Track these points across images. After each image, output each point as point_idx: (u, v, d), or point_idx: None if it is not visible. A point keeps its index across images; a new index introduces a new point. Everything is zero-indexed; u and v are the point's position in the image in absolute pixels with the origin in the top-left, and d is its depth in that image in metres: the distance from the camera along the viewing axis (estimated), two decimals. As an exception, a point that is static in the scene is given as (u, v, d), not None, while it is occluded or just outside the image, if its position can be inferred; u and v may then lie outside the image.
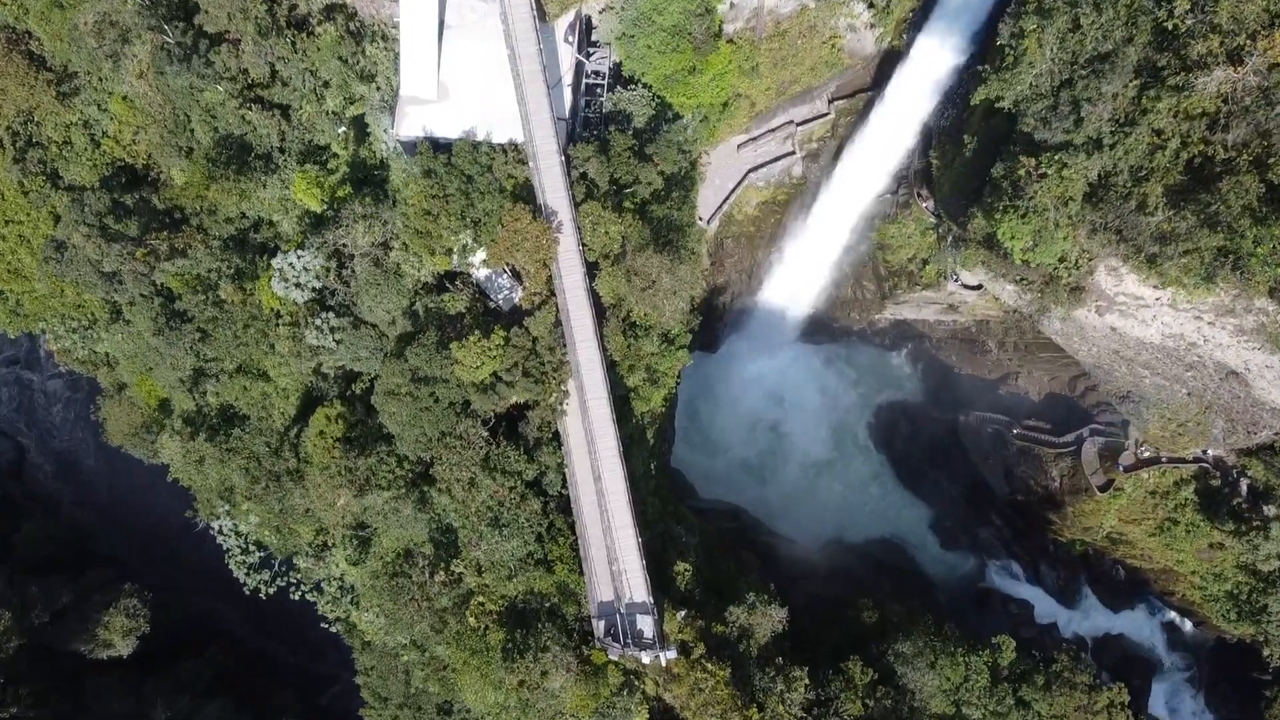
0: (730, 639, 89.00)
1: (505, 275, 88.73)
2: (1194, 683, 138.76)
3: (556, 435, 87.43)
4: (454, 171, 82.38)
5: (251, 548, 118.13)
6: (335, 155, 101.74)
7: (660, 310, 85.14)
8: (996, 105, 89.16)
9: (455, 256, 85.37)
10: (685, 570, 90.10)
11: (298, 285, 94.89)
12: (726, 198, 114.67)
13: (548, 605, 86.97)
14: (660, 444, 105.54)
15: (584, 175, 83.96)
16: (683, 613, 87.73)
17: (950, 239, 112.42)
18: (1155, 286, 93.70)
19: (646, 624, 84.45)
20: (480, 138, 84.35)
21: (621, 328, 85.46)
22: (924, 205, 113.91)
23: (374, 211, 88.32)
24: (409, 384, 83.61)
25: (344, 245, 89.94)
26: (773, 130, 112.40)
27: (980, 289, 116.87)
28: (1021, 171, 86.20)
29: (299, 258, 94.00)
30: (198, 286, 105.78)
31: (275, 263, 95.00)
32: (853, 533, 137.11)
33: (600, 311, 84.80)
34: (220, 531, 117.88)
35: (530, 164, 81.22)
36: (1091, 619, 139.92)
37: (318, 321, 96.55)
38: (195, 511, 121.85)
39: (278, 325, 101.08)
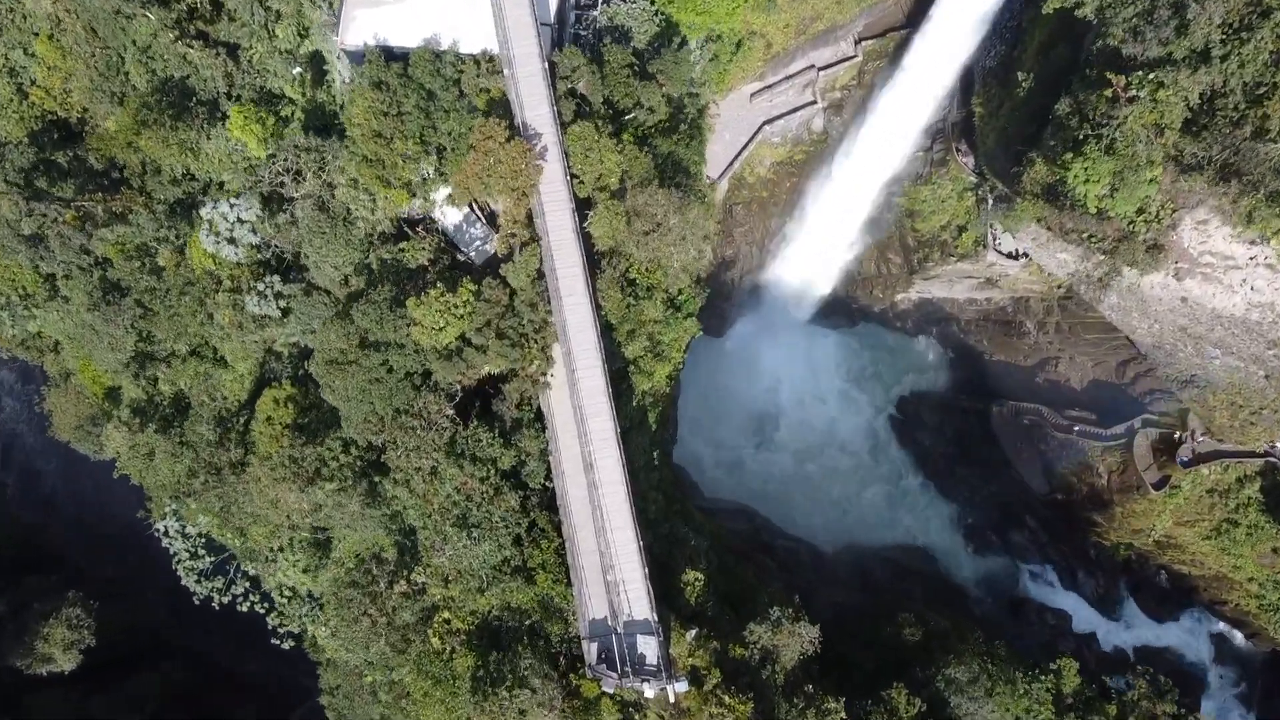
0: (751, 663, 68.79)
1: (479, 223, 69.03)
2: (1245, 700, 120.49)
3: (540, 415, 67.43)
4: (411, 85, 62.53)
5: (201, 552, 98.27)
6: (290, 101, 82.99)
7: (666, 260, 65.21)
8: (1076, 13, 69.32)
9: (416, 194, 65.72)
10: (696, 580, 69.82)
11: (230, 240, 75.44)
12: (738, 154, 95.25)
13: (527, 624, 66.64)
14: (663, 431, 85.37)
15: (573, 91, 64.14)
16: (693, 632, 67.55)
17: (993, 200, 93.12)
18: (1252, 242, 74.47)
19: (649, 647, 64.14)
20: (445, 46, 64.45)
21: (619, 283, 65.57)
22: (963, 161, 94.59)
23: (317, 144, 68.68)
24: (356, 350, 63.87)
25: (282, 186, 70.08)
26: (791, 76, 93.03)
27: (1024, 259, 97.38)
28: (1107, 94, 66.63)
29: (231, 206, 74.34)
30: (133, 253, 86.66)
31: (204, 213, 75.39)
32: (874, 535, 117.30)
33: (593, 261, 64.88)
34: (166, 533, 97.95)
35: (506, 72, 61.35)
36: (1133, 630, 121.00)
37: (260, 286, 77.33)
38: (148, 511, 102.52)
39: (217, 292, 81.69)
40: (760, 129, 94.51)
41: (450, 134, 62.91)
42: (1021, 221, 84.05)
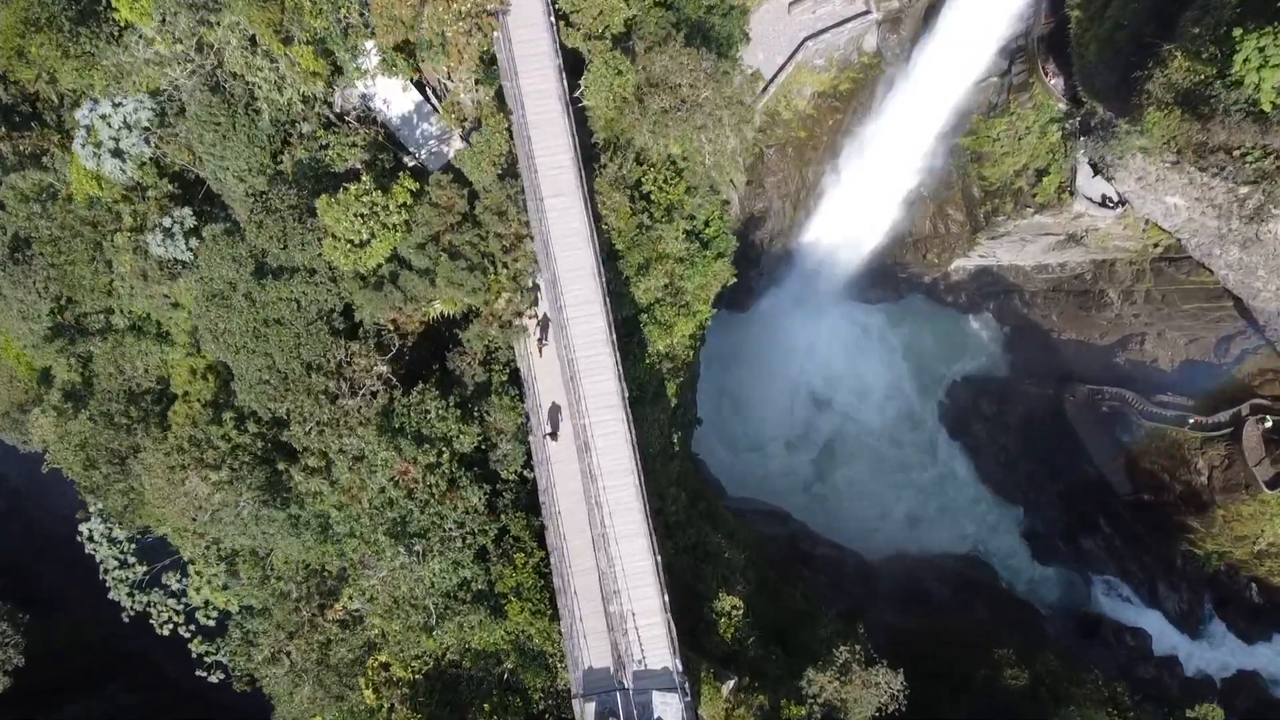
0: (809, 725, 45.74)
1: (433, 116, 46.45)
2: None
3: (516, 376, 44.59)
4: (324, -113, 40.35)
5: (131, 559, 75.63)
6: (228, 6, 60.92)
7: (696, 152, 42.41)
8: None
9: (335, 58, 43.20)
10: (734, 609, 46.73)
11: (115, 152, 52.96)
12: (772, 79, 72.74)
13: (497, 673, 43.59)
14: (685, 409, 62.27)
15: (559, -98, 41.78)
16: (730, 683, 44.69)
17: (1090, 129, 70.20)
18: None
19: (670, 709, 41.05)
20: None
21: (625, 187, 42.67)
22: (1051, 84, 71.65)
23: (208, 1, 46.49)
24: (249, 279, 41.16)
25: (162, 67, 47.80)
26: (840, -21, 70.65)
27: (1120, 209, 74.38)
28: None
29: (116, 106, 52.02)
30: (32, 194, 65.27)
31: (80, 115, 53.12)
32: (924, 542, 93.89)
33: (588, 153, 42.11)
34: (90, 538, 75.24)
35: None
36: (1219, 652, 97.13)
37: (166, 222, 54.84)
38: (89, 513, 79.86)
39: (115, 232, 59.66)
40: (800, 47, 72.04)
41: (381, -38, 40.61)
42: (1152, 138, 60.97)
